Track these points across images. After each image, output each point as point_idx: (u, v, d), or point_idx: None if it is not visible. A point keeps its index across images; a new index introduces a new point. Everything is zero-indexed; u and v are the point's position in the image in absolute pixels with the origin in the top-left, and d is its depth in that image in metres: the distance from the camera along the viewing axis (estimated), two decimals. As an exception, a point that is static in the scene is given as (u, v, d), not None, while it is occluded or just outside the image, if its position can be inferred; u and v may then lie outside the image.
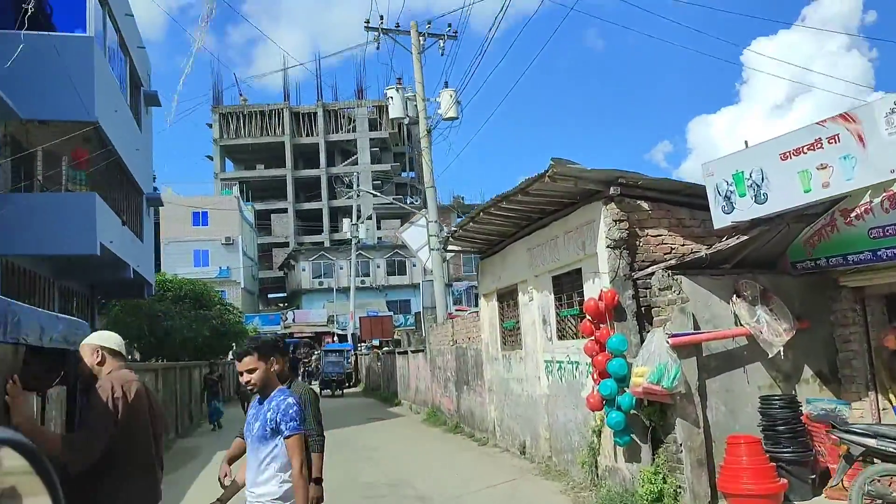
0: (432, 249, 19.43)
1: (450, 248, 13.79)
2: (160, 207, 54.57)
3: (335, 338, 52.47)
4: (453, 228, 12.30)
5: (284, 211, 70.44)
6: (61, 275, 19.66)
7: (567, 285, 9.93)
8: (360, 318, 43.11)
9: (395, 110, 19.38)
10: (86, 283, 22.67)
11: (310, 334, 55.32)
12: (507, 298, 12.48)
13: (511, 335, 12.43)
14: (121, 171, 20.42)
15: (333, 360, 31.26)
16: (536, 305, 10.84)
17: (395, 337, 44.44)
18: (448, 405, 17.07)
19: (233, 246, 54.76)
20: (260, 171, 70.91)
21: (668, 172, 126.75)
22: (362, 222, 47.85)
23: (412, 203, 70.89)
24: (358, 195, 52.12)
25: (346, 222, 46.52)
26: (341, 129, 73.00)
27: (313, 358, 42.86)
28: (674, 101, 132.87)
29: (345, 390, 31.36)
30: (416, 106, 19.64)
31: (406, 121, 19.67)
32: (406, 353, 22.58)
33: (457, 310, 54.85)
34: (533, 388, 11.13)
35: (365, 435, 16.74)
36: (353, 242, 46.51)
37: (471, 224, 11.49)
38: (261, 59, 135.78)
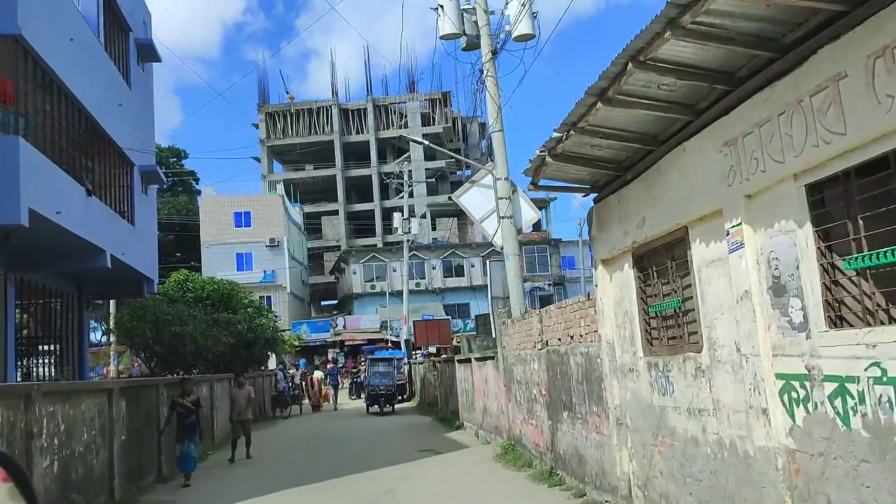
0: (503, 217, 13.73)
1: (542, 182, 7.92)
2: (200, 208, 50.25)
3: (389, 345, 47.17)
4: (555, 134, 6.62)
5: (335, 213, 65.75)
6: (15, 264, 14.66)
7: (859, 198, 4.12)
8: (413, 322, 37.62)
9: (446, 25, 13.74)
10: (64, 279, 17.72)
11: (361, 342, 50.11)
12: (660, 259, 6.68)
13: (668, 327, 6.64)
14: (88, 126, 15.30)
15: (381, 371, 25.73)
16: (750, 259, 5.04)
17: (454, 343, 38.90)
18: (535, 438, 11.30)
19: (278, 248, 50.01)
20: (309, 171, 66.40)
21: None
22: (415, 217, 42.40)
23: (469, 199, 65.33)
24: (410, 193, 46.78)
25: (397, 217, 41.17)
26: (392, 126, 67.94)
27: (362, 367, 37.46)
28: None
29: (395, 406, 25.83)
30: (475, 21, 13.99)
31: (463, 41, 14.00)
32: (469, 361, 16.89)
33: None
34: (739, 431, 5.31)
35: (412, 484, 11.10)
36: (405, 240, 41.09)
37: (597, 111, 5.76)
38: (314, 73, 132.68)
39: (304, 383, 31.47)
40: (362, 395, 34.76)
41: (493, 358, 14.16)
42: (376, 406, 25.22)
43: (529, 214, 14.00)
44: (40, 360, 18.99)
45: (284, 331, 39.44)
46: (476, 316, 40.79)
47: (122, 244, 16.49)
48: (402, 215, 41.09)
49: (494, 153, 13.86)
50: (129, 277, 18.66)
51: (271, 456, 15.58)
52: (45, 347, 18.86)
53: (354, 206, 67.08)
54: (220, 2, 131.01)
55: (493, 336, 24.94)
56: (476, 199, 14.17)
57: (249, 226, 49.68)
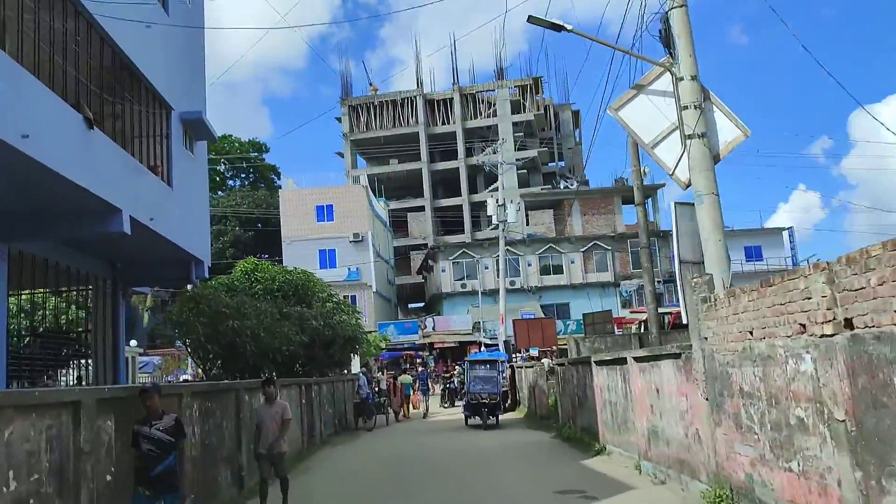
0: (689, 137, 8.74)
1: None
2: (281, 201, 46.83)
3: (481, 347, 42.48)
4: None
5: (421, 209, 61.67)
6: (4, 231, 10.71)
7: None
8: (513, 321, 32.73)
9: None
10: (91, 257, 13.80)
11: (452, 344, 45.59)
12: None
13: None
14: (94, 38, 11.24)
15: (483, 375, 20.92)
16: None
17: (559, 345, 33.79)
18: (799, 495, 6.23)
19: (362, 243, 46.11)
20: (393, 165, 62.58)
21: (827, 170, 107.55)
22: (511, 202, 37.53)
23: (566, 187, 59.73)
24: (496, 181, 41.89)
25: (491, 204, 36.39)
26: (480, 115, 63.54)
27: (456, 372, 32.82)
28: (831, 93, 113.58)
29: (500, 417, 21.02)
30: None
31: None
32: (619, 362, 11.87)
33: (631, 312, 43.11)
34: None
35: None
36: (500, 228, 36.25)
37: None
38: (398, 81, 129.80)
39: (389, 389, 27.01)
40: (456, 403, 30.26)
41: (676, 357, 9.13)
42: (477, 418, 20.49)
43: (731, 133, 8.92)
44: (88, 363, 15.25)
45: (370, 332, 35.40)
46: (584, 314, 35.57)
47: (152, 207, 12.38)
48: (498, 201, 36.30)
49: (674, 41, 8.89)
50: (170, 256, 14.64)
51: (341, 494, 11.03)
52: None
53: (441, 201, 62.88)
54: (305, 15, 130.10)
55: (692, 318, 19.74)
56: (644, 113, 9.20)
57: (332, 220, 46.02)
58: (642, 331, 34.22)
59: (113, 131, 12.60)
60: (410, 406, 28.43)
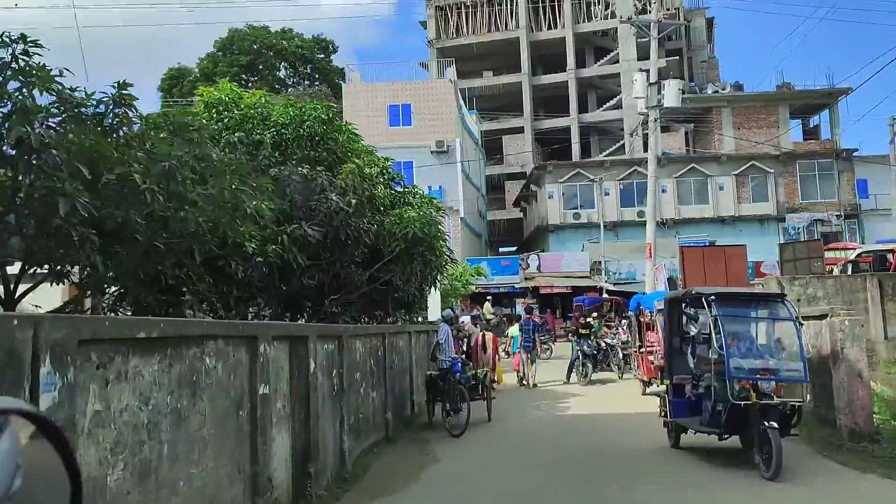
0: None
1: None
2: (344, 98, 34.50)
3: (602, 294, 29.94)
4: None
5: (520, 130, 48.91)
6: None
7: None
8: (681, 248, 20.01)
9: None
10: None
11: (563, 289, 33.18)
12: None
13: None
14: None
15: (742, 330, 8.31)
16: None
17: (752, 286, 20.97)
18: None
19: (448, 154, 33.95)
20: (487, 78, 49.86)
21: None
22: (672, 78, 24.53)
23: (715, 93, 45.58)
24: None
25: (639, 80, 23.49)
26: (594, 17, 49.69)
27: (592, 323, 20.27)
28: None
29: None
30: None
31: None
32: None
33: (827, 249, 29.13)
34: None
35: None
36: (651, 118, 23.36)
37: None
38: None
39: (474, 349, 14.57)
40: (588, 374, 18.09)
41: None
42: (727, 434, 8.10)
43: None
44: None
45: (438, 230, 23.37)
46: (780, 245, 22.54)
47: None
48: (648, 77, 23.39)
49: None
50: None
51: None
52: None
53: (544, 121, 49.90)
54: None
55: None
56: None
57: (409, 124, 34.01)
58: (849, 272, 21.34)
59: None
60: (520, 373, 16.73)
